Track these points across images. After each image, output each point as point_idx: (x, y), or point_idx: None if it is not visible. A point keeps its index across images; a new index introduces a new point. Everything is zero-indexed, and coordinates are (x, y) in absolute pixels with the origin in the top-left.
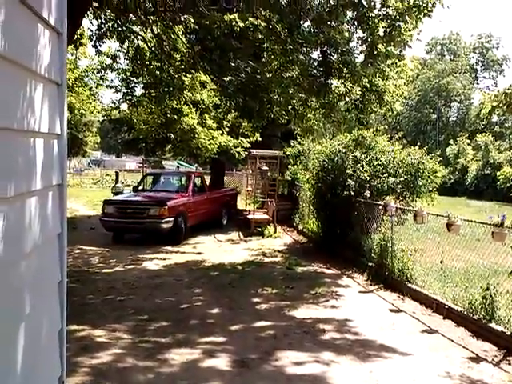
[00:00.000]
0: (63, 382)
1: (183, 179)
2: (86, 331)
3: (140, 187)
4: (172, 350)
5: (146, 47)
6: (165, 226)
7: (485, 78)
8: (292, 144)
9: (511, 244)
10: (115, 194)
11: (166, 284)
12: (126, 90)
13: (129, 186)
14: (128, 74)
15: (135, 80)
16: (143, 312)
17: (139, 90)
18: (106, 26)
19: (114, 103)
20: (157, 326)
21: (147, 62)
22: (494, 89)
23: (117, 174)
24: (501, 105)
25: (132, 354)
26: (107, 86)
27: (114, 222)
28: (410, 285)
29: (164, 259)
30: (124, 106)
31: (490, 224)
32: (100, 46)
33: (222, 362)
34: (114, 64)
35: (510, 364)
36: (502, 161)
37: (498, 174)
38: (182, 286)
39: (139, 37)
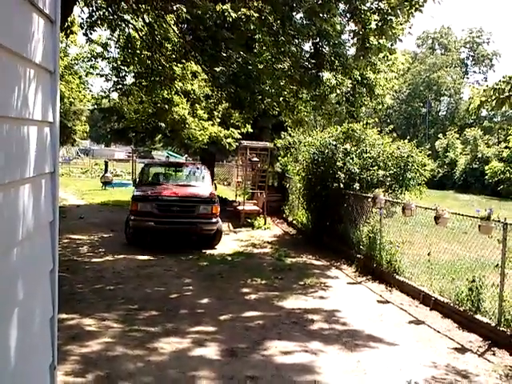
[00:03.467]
0: (54, 369)
1: (196, 171)
2: (75, 320)
3: (144, 180)
4: (161, 339)
5: (137, 36)
6: (215, 226)
7: (475, 72)
8: (283, 136)
9: (498, 237)
10: (104, 183)
11: (156, 274)
12: (116, 79)
13: (118, 175)
14: (119, 62)
15: (126, 69)
16: (133, 301)
17: (130, 79)
18: (97, 14)
19: (104, 92)
20: (146, 315)
21: (138, 51)
22: (483, 83)
23: (106, 164)
24: (489, 100)
25: (122, 342)
26: (97, 75)
27: (154, 223)
28: (397, 276)
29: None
30: (114, 95)
31: (477, 217)
32: (91, 34)
33: (211, 351)
34: (105, 52)
35: (494, 355)
36: (491, 155)
37: (486, 168)
38: (171, 276)
39: (130, 25)
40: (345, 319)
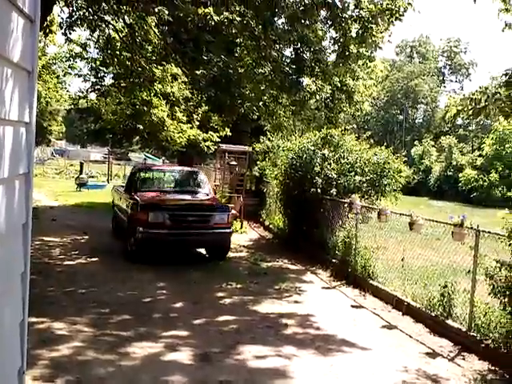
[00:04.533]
0: (23, 373)
1: (194, 176)
2: (45, 324)
3: (139, 186)
4: (134, 344)
5: (118, 37)
6: (231, 236)
7: (452, 81)
8: (261, 140)
9: (470, 244)
10: (79, 185)
11: (129, 277)
12: (94, 80)
13: (93, 177)
14: (98, 63)
15: (105, 69)
16: (105, 305)
17: (108, 80)
18: (78, 14)
19: (82, 92)
20: (118, 319)
21: (118, 52)
22: (460, 92)
23: (81, 165)
24: (466, 109)
25: (93, 347)
26: (76, 75)
27: (168, 236)
28: (371, 281)
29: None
30: (92, 96)
31: (450, 224)
32: (70, 33)
33: (183, 356)
34: (84, 53)
35: (464, 359)
36: (465, 163)
37: (460, 175)
38: (145, 280)
39: (111, 26)
40: (319, 324)
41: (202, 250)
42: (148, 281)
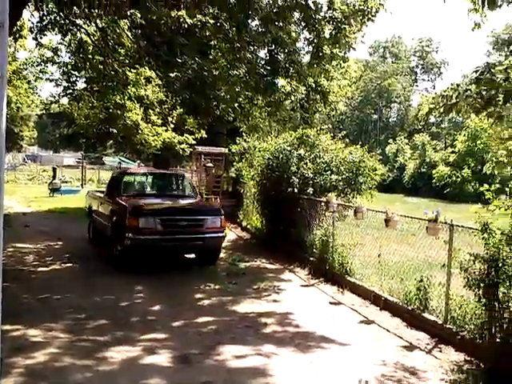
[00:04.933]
0: None
1: (180, 180)
2: (20, 331)
3: (123, 191)
4: (111, 348)
5: (90, 41)
6: (223, 240)
7: (424, 80)
8: (237, 141)
9: (444, 238)
10: (52, 190)
11: (105, 282)
12: (66, 84)
13: (66, 182)
14: (69, 67)
15: (77, 74)
16: (81, 310)
17: (81, 84)
18: (48, 18)
19: (54, 97)
20: (95, 324)
21: (90, 56)
22: (432, 91)
23: (54, 170)
24: (438, 107)
25: (69, 353)
26: (47, 80)
27: (159, 242)
28: (349, 278)
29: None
30: (64, 100)
31: (425, 219)
32: (41, 38)
33: (162, 359)
34: (55, 57)
35: (441, 351)
36: (438, 160)
37: (434, 172)
38: (121, 284)
39: (82, 30)
40: (298, 321)
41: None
42: (124, 284)
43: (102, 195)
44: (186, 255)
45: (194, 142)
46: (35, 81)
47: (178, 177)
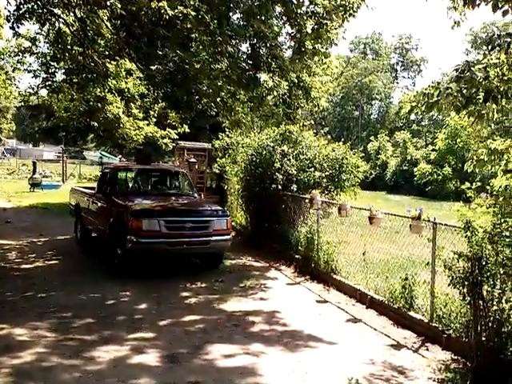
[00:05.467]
0: None
1: (178, 177)
2: (5, 330)
3: (117, 189)
4: (99, 348)
5: (68, 31)
6: (229, 244)
7: (404, 77)
8: (220, 137)
9: (428, 236)
10: (33, 185)
11: (90, 279)
12: (45, 75)
13: (47, 177)
14: (48, 58)
15: (56, 65)
16: (66, 309)
17: (60, 76)
18: (26, 6)
19: (33, 88)
20: (81, 323)
21: (69, 47)
22: (412, 88)
23: (34, 164)
24: (419, 105)
25: (56, 352)
26: (25, 70)
27: (164, 245)
28: (334, 276)
29: (86, 253)
30: (43, 92)
31: (408, 217)
32: (18, 27)
33: (151, 358)
34: (34, 47)
35: (428, 350)
36: (419, 157)
37: (415, 169)
38: (107, 281)
39: (61, 20)
40: (285, 320)
41: None
42: (110, 282)
43: (91, 192)
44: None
45: (176, 136)
46: (13, 71)
47: (177, 174)
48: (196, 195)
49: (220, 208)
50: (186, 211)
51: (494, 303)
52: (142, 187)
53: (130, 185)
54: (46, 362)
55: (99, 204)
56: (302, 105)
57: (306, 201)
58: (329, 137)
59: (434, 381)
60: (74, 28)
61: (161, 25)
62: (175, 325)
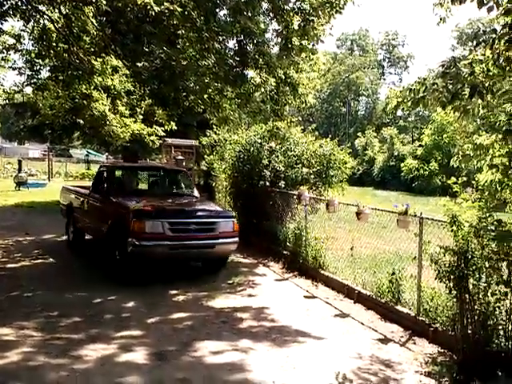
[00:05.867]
0: None
1: (179, 176)
2: None
3: (116, 188)
4: (86, 346)
5: (53, 28)
6: (235, 246)
7: (391, 73)
8: (208, 134)
9: (414, 231)
10: (18, 183)
11: (77, 278)
12: (30, 73)
13: (33, 175)
14: (33, 55)
15: (41, 62)
16: (53, 308)
17: (45, 73)
18: (9, 3)
19: (17, 86)
20: (68, 322)
21: (54, 44)
22: (399, 84)
23: (20, 163)
24: (406, 101)
25: (43, 351)
26: (10, 68)
27: (168, 248)
28: (322, 272)
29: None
30: (28, 90)
31: (395, 212)
32: (2, 24)
33: (139, 356)
34: (18, 44)
35: (415, 343)
36: (406, 153)
37: (402, 165)
38: (93, 280)
39: (46, 16)
40: (273, 316)
41: None
42: (96, 280)
43: (85, 191)
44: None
45: (163, 133)
46: None
47: (178, 173)
48: (198, 195)
49: (225, 209)
50: (190, 212)
51: (480, 296)
52: (141, 187)
53: (129, 184)
54: (33, 362)
55: (95, 204)
56: (290, 101)
57: (294, 197)
58: (316, 133)
59: (420, 374)
60: (59, 25)
61: (147, 21)
62: (163, 322)
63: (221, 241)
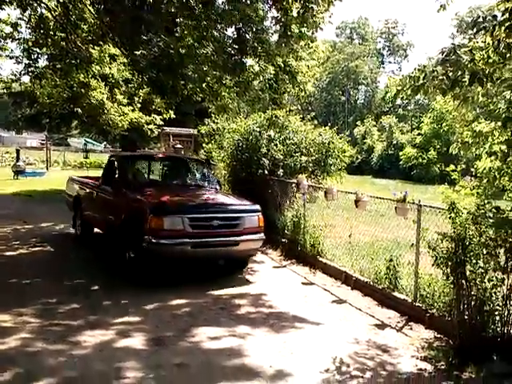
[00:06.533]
0: None
1: (198, 167)
2: None
3: (130, 180)
4: (84, 333)
5: (51, 16)
6: (261, 243)
7: (390, 62)
8: (206, 122)
9: (413, 218)
10: (16, 172)
11: (75, 265)
12: (28, 61)
13: (31, 164)
14: (30, 44)
15: (38, 50)
16: (51, 295)
17: (43, 62)
18: None
19: (15, 75)
20: (67, 308)
21: (51, 32)
22: (398, 73)
23: (18, 152)
24: (405, 89)
25: (41, 338)
26: (7, 57)
27: (189, 247)
28: (320, 259)
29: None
30: (26, 79)
31: (393, 200)
32: None
33: (137, 342)
34: (15, 33)
35: (411, 329)
36: (405, 142)
37: (401, 153)
38: (92, 267)
39: (43, 5)
40: (271, 302)
41: None
42: (95, 268)
43: (94, 183)
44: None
45: (161, 122)
46: None
47: (196, 162)
48: (218, 187)
49: (250, 202)
50: (212, 206)
51: (477, 282)
52: (157, 178)
53: (144, 175)
54: (31, 348)
55: (106, 197)
56: (289, 89)
57: (293, 185)
58: (315, 122)
59: (417, 358)
60: (57, 13)
61: (144, 9)
62: (161, 308)
63: (245, 237)
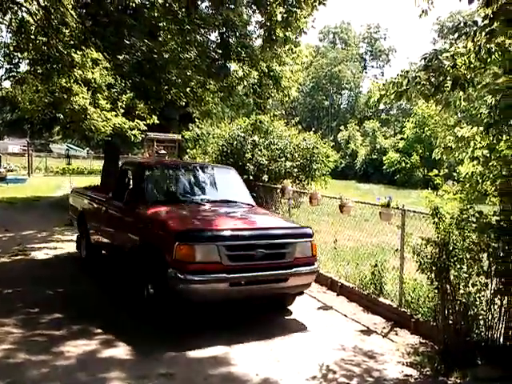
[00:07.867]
0: None
1: (227, 178)
2: None
3: (148, 195)
4: (68, 343)
5: (32, 20)
6: (315, 277)
7: (373, 67)
8: (191, 127)
9: (397, 223)
10: None
11: (59, 275)
12: (8, 66)
13: (12, 170)
14: (11, 48)
15: (19, 55)
16: (34, 304)
17: (24, 67)
18: None
19: None
20: (49, 318)
21: (33, 37)
22: (381, 78)
23: None
24: (388, 94)
25: (24, 348)
26: None
27: (228, 284)
28: None
29: (55, 248)
30: (7, 84)
31: (378, 205)
32: None
33: (121, 351)
34: None
35: (397, 334)
36: (388, 146)
37: (384, 158)
38: (74, 275)
39: (24, 8)
40: (257, 309)
41: None
42: (77, 276)
43: (103, 197)
44: None
45: (145, 127)
46: None
47: (227, 173)
48: (254, 203)
49: (298, 225)
50: (255, 230)
51: (461, 287)
52: (181, 193)
53: (165, 189)
54: (13, 359)
55: (117, 215)
56: (273, 94)
57: (278, 191)
58: (299, 127)
59: (403, 364)
60: (38, 17)
61: (127, 13)
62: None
63: (296, 270)
